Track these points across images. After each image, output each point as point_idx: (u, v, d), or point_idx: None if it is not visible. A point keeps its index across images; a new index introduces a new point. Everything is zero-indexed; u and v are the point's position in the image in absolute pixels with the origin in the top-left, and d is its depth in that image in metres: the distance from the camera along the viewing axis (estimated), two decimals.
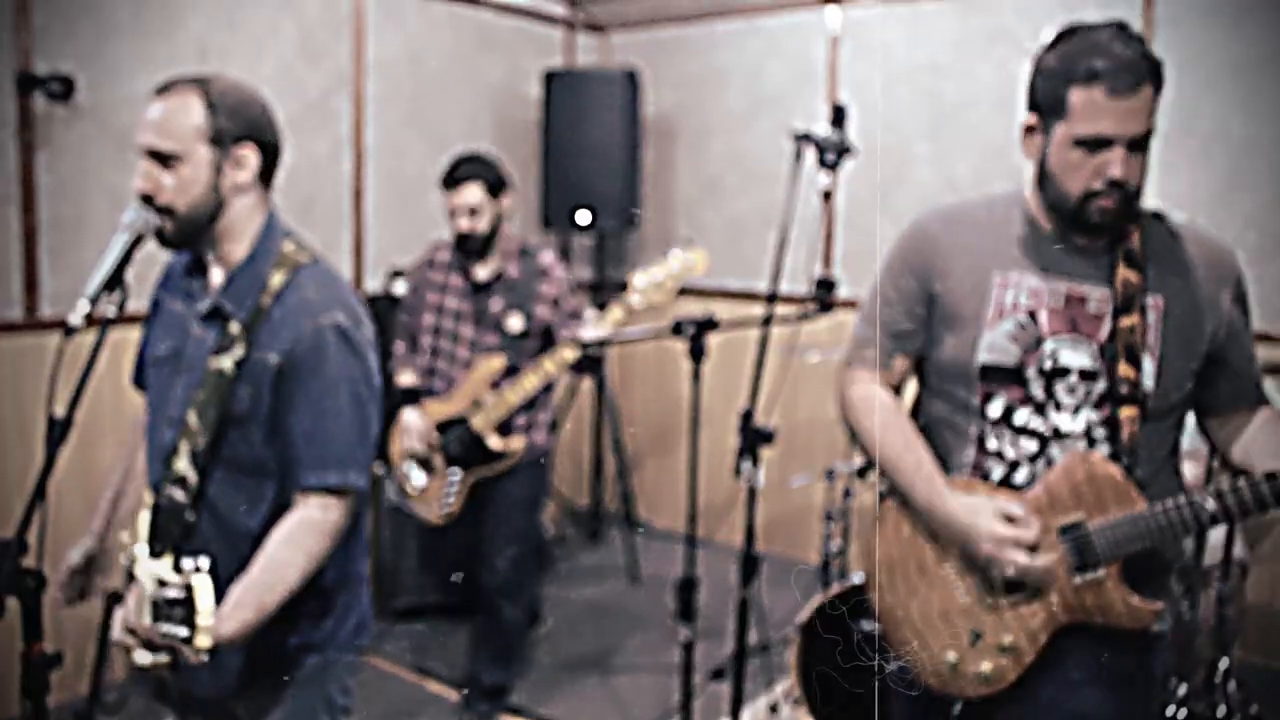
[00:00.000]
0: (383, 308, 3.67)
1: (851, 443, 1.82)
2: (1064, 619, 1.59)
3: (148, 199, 1.58)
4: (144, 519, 1.65)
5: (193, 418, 1.59)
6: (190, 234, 1.62)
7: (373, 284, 4.06)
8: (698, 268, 2.97)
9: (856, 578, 2.91)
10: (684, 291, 4.81)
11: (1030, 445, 1.62)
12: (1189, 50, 3.59)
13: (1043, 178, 1.59)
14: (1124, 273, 1.57)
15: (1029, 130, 1.60)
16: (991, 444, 1.65)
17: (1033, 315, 1.61)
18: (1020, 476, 1.63)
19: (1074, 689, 1.62)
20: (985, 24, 4.01)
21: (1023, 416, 1.62)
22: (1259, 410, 1.68)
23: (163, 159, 1.58)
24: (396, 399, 3.12)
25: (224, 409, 1.58)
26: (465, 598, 3.62)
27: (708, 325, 2.50)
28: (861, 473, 3.39)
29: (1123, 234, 1.59)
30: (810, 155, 2.28)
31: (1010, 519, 1.57)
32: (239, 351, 1.58)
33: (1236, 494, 1.49)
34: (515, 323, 3.06)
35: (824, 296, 2.63)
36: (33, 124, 3.05)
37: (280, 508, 1.62)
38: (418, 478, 3.16)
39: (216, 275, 1.67)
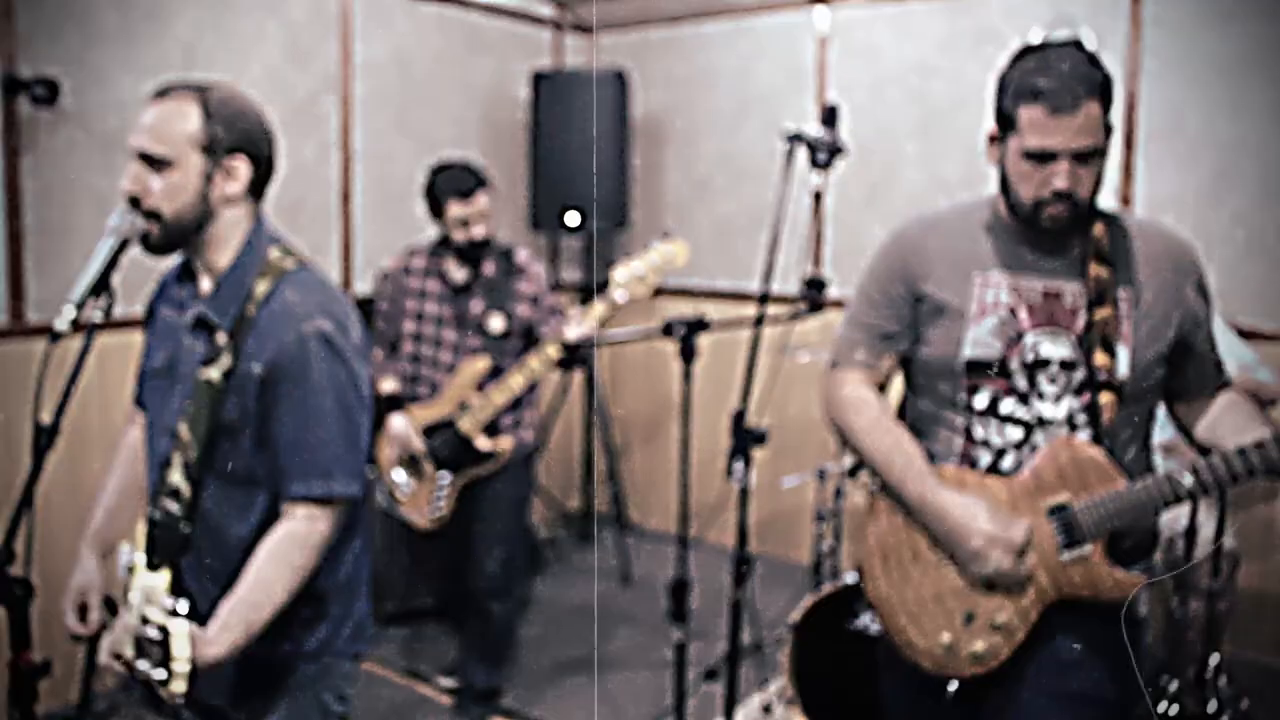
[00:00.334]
0: (372, 310, 3.65)
1: (840, 444, 1.87)
2: (1053, 595, 1.67)
3: (134, 201, 1.57)
4: (141, 531, 1.64)
5: (184, 429, 1.58)
6: (176, 241, 1.61)
7: (362, 286, 4.04)
8: (678, 260, 2.98)
9: (849, 577, 2.91)
10: (674, 292, 4.85)
11: (1015, 433, 1.71)
12: (1176, 51, 3.61)
13: (1004, 184, 1.70)
14: (1095, 268, 1.68)
15: (992, 139, 1.71)
16: (979, 433, 1.73)
17: (1013, 311, 1.70)
18: (1007, 463, 1.72)
19: (1066, 663, 1.69)
20: (973, 24, 4.02)
21: (1008, 406, 1.71)
22: (1221, 393, 1.79)
23: (153, 162, 1.57)
24: (380, 407, 3.10)
25: (214, 420, 1.57)
26: (454, 600, 3.61)
27: (699, 326, 2.50)
28: (852, 472, 3.40)
29: (1083, 234, 1.70)
30: (801, 155, 2.28)
31: (999, 519, 1.65)
32: (226, 362, 1.57)
33: (1211, 468, 1.59)
34: (497, 323, 3.07)
35: (814, 296, 2.63)
36: (17, 128, 3.03)
37: (272, 518, 1.61)
38: (406, 483, 3.15)
39: (205, 283, 1.66)
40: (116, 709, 3.02)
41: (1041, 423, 1.70)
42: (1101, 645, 1.68)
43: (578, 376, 4.84)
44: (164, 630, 1.35)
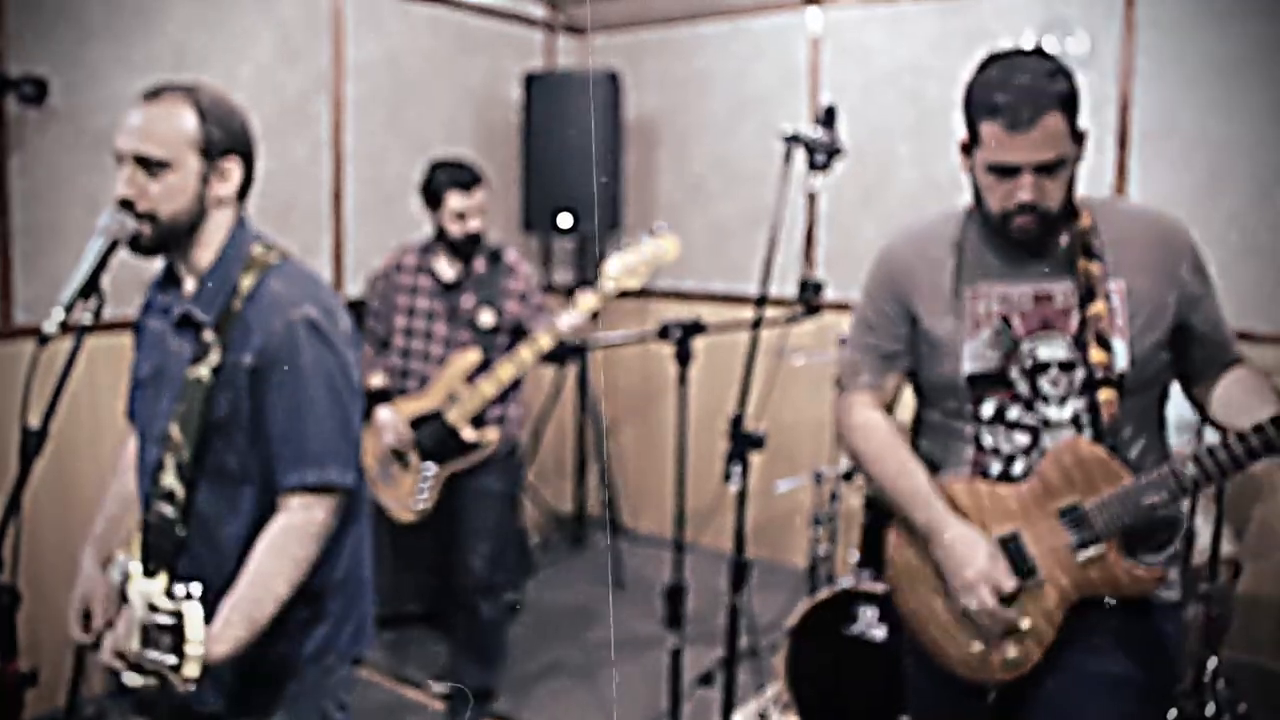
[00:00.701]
0: (363, 311, 3.63)
1: (853, 463, 1.88)
2: (1075, 596, 1.67)
3: (128, 204, 1.54)
4: (136, 538, 1.61)
5: (175, 431, 1.56)
6: (167, 242, 1.60)
7: (353, 288, 4.01)
8: (669, 253, 3.00)
9: (845, 581, 2.89)
10: (667, 295, 4.83)
11: (1023, 439, 1.71)
12: (1169, 51, 3.61)
13: (976, 194, 1.70)
14: (1084, 264, 1.67)
15: (963, 148, 1.70)
16: (988, 441, 1.73)
17: (1006, 320, 1.70)
18: (1017, 468, 1.72)
19: (1097, 658, 1.69)
20: (966, 25, 4.01)
21: (1014, 413, 1.71)
22: (1230, 370, 1.76)
23: (150, 165, 1.55)
24: (367, 401, 3.10)
25: (204, 419, 1.55)
26: (441, 599, 3.58)
27: (694, 329, 2.47)
28: (848, 476, 3.38)
29: (1068, 231, 1.68)
30: (799, 156, 2.26)
31: (997, 564, 1.66)
32: (214, 358, 1.56)
33: (1213, 456, 1.56)
34: (487, 318, 3.10)
35: (810, 299, 2.61)
36: (5, 127, 2.99)
37: (266, 515, 1.58)
38: (391, 474, 3.15)
39: (189, 284, 1.64)
40: (103, 715, 2.99)
41: (1048, 425, 1.69)
42: (1130, 638, 1.69)
43: (570, 379, 4.81)
44: (177, 615, 1.32)
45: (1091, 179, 3.78)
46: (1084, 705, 1.69)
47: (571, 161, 4.41)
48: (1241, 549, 3.15)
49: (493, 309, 3.11)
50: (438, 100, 4.36)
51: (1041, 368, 1.68)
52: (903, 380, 1.85)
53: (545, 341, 2.98)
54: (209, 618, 1.45)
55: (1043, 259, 1.69)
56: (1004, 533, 1.69)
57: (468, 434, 3.06)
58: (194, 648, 1.31)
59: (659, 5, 4.72)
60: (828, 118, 2.29)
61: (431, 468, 3.09)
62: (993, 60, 1.64)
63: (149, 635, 1.35)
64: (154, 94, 1.59)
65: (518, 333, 3.14)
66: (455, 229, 3.09)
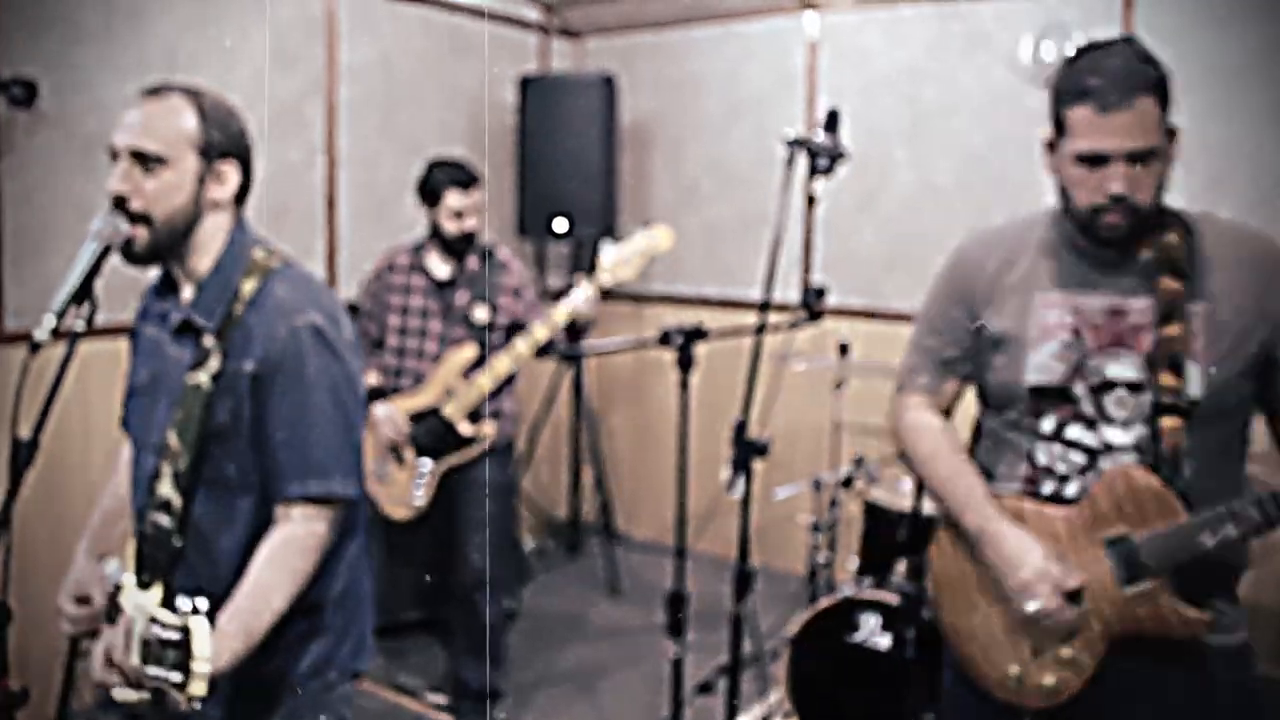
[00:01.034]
0: (357, 313, 3.61)
1: (906, 465, 1.84)
2: (1119, 629, 1.60)
3: (121, 202, 1.50)
4: (130, 548, 1.57)
5: (173, 438, 1.52)
6: (162, 248, 1.56)
7: (347, 292, 3.97)
8: (663, 244, 3.03)
9: (846, 589, 2.86)
10: (660, 299, 4.80)
11: (1080, 459, 1.63)
12: (1168, 56, 3.54)
13: (1061, 193, 1.62)
14: (1165, 281, 1.57)
15: (1048, 147, 1.62)
16: (1042, 459, 1.66)
17: (1076, 333, 1.62)
18: (1071, 490, 1.64)
19: (1138, 697, 1.63)
20: (964, 29, 3.99)
21: (1074, 432, 1.63)
22: None
23: (146, 161, 1.51)
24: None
25: (204, 426, 1.51)
26: (438, 605, 3.54)
27: (696, 334, 2.44)
28: (847, 483, 3.36)
29: (1151, 243, 1.59)
30: (799, 160, 2.24)
31: (1055, 562, 1.58)
32: (214, 364, 1.52)
33: (1275, 500, 1.48)
34: (481, 314, 3.13)
35: (813, 304, 2.59)
36: None
37: (262, 525, 1.54)
38: (388, 471, 3.15)
39: (187, 291, 1.61)
40: None
41: (1109, 449, 1.61)
42: (1177, 683, 1.60)
43: (565, 384, 4.78)
44: (183, 630, 1.27)
45: None
46: None
47: (567, 165, 4.38)
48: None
49: (487, 305, 3.13)
50: (432, 104, 4.32)
51: (1108, 386, 1.60)
52: (962, 386, 1.79)
53: (541, 334, 3.00)
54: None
55: (1122, 271, 1.60)
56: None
57: (465, 428, 3.07)
58: (201, 664, 1.26)
59: (653, 9, 4.70)
60: (830, 122, 2.27)
61: (428, 463, 3.09)
62: (1082, 51, 1.58)
63: (150, 651, 1.30)
64: (154, 92, 1.56)
65: (513, 329, 3.17)
66: (452, 227, 3.11)
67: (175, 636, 1.27)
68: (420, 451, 3.10)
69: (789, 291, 4.46)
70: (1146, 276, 1.59)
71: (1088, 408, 1.61)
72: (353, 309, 3.67)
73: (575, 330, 3.29)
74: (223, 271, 1.57)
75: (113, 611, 1.57)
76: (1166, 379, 1.55)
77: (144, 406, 1.64)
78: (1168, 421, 1.55)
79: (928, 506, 2.84)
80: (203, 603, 1.28)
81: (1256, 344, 1.57)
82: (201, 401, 1.51)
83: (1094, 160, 1.52)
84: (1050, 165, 1.62)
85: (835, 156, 2.24)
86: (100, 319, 1.52)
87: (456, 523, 3.17)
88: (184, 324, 1.57)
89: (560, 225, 4.35)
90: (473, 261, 3.17)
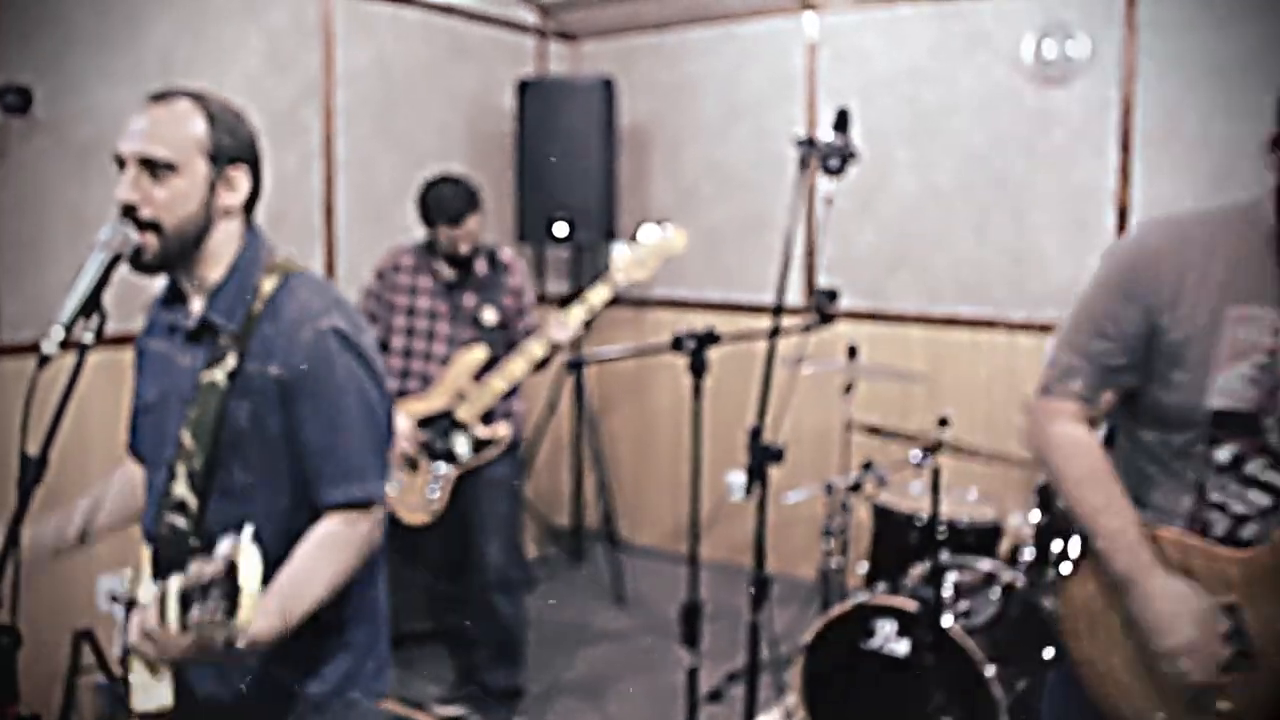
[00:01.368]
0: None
1: (1051, 483, 1.66)
2: None
3: (130, 211, 1.46)
4: (145, 556, 1.52)
5: (187, 437, 1.48)
6: (172, 257, 1.51)
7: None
8: (676, 245, 3.01)
9: (861, 595, 2.83)
10: (660, 303, 4.76)
11: (1263, 499, 1.46)
12: (1171, 53, 3.58)
13: (1279, 193, 1.43)
14: None
15: (1274, 142, 1.44)
16: (1215, 495, 1.48)
17: (1275, 355, 1.43)
18: (1247, 532, 1.47)
19: None
20: (965, 29, 3.97)
21: (1254, 467, 1.45)
22: None
23: (154, 168, 1.47)
24: None
25: (219, 424, 1.47)
26: (446, 613, 3.50)
27: (709, 339, 2.41)
28: (855, 488, 3.32)
29: None
30: (793, 162, 2.21)
31: (1206, 625, 1.44)
32: (231, 362, 1.49)
33: None
34: (490, 315, 3.13)
35: (825, 307, 2.55)
36: None
37: (278, 529, 1.49)
38: (400, 479, 3.12)
39: (196, 302, 1.56)
40: None
41: None
42: None
43: (566, 392, 4.73)
44: (230, 561, 1.20)
45: (1093, 183, 3.75)
46: None
47: (566, 169, 4.34)
48: None
49: (495, 306, 3.13)
50: (429, 108, 4.28)
51: None
52: (1116, 400, 1.60)
53: (556, 334, 2.99)
54: None
55: None
56: (1220, 603, 1.46)
57: (480, 431, 3.06)
58: (250, 583, 1.18)
59: (650, 11, 4.67)
60: (841, 122, 2.24)
61: (442, 467, 3.07)
62: None
63: (191, 598, 1.23)
64: (160, 97, 1.52)
65: (509, 329, 3.18)
66: (449, 248, 3.13)
67: (221, 569, 1.20)
68: (434, 456, 3.07)
69: (791, 294, 4.44)
70: None
71: (1276, 441, 1.43)
72: None
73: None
74: (238, 275, 1.54)
75: (128, 612, 1.52)
76: None
77: (154, 424, 1.60)
78: None
79: (943, 511, 2.81)
80: (249, 529, 1.22)
81: None
82: (217, 399, 1.48)
83: None
84: (1272, 164, 1.44)
85: (846, 157, 2.21)
86: (107, 329, 1.47)
87: (471, 524, 3.16)
88: (200, 326, 1.53)
89: (560, 230, 4.31)
90: (480, 265, 3.17)
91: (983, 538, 3.12)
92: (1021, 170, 3.91)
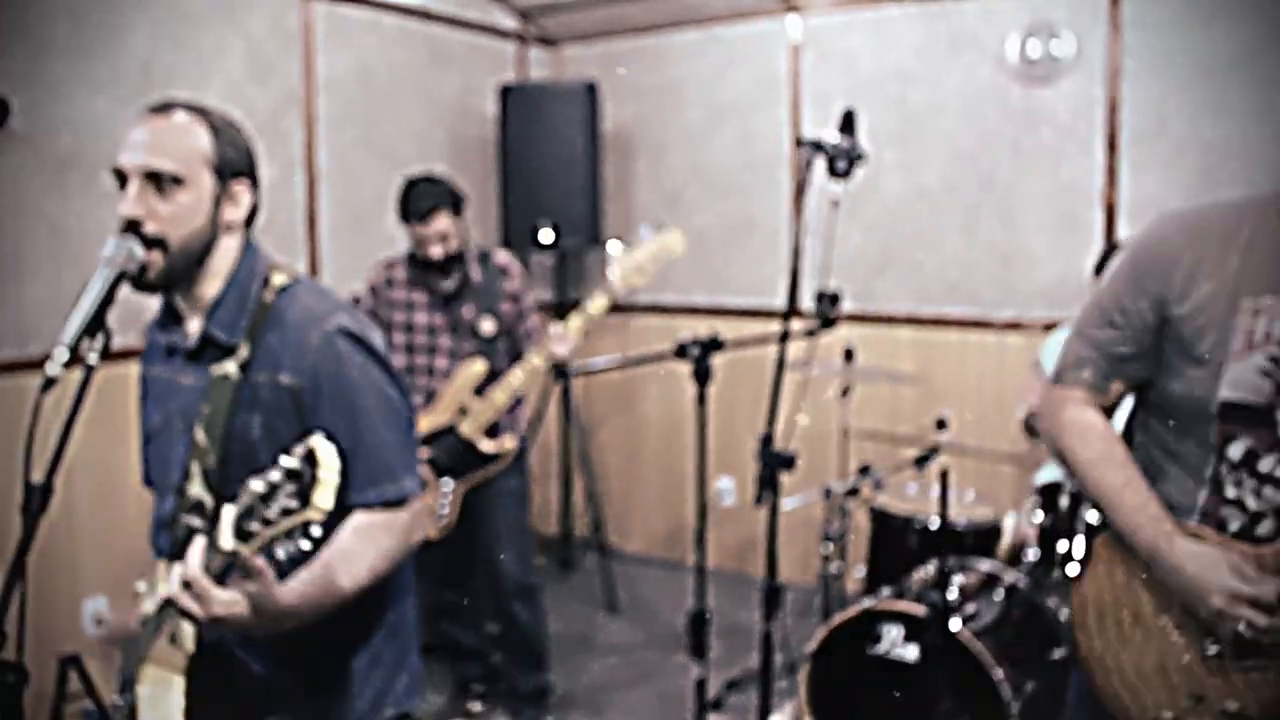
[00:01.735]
0: None
1: (1059, 463, 1.65)
2: None
3: (133, 226, 1.40)
4: (159, 571, 1.47)
5: (200, 435, 1.44)
6: (176, 275, 1.46)
7: None
8: (676, 248, 2.98)
9: (866, 601, 2.80)
10: (646, 309, 4.72)
11: (1278, 496, 1.43)
12: (1156, 53, 3.60)
13: None
14: None
15: None
16: (1230, 491, 1.46)
17: None
18: (1264, 529, 1.45)
19: None
20: (950, 29, 3.98)
21: (1269, 463, 1.43)
22: None
23: (160, 182, 1.41)
24: None
25: (233, 417, 1.43)
26: (441, 629, 3.44)
27: (713, 345, 2.38)
28: (853, 492, 3.31)
29: None
30: (781, 164, 2.18)
31: (1246, 576, 1.42)
32: (243, 353, 1.45)
33: None
34: (488, 326, 3.07)
35: (827, 311, 2.53)
36: None
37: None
38: None
39: (193, 323, 1.51)
40: None
41: None
42: None
43: (553, 400, 4.68)
44: (308, 448, 1.15)
45: (1080, 182, 3.77)
46: None
47: (550, 174, 4.30)
48: None
49: (491, 315, 3.07)
50: (410, 115, 4.22)
51: None
52: (1129, 388, 1.59)
53: (556, 346, 2.93)
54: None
55: None
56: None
57: (486, 446, 3.01)
58: (329, 469, 1.14)
59: (631, 14, 4.63)
60: (847, 123, 2.22)
61: (449, 483, 3.02)
62: None
63: (253, 512, 1.19)
64: (161, 109, 1.47)
65: (511, 336, 3.13)
66: (417, 249, 3.03)
67: (295, 459, 1.16)
68: (440, 472, 3.02)
69: (776, 300, 4.42)
70: None
71: None
72: None
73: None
74: (236, 288, 1.50)
75: (152, 630, 1.47)
76: None
77: (160, 450, 1.55)
78: None
79: (953, 514, 2.80)
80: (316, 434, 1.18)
81: None
82: (230, 391, 1.43)
83: None
84: None
85: (853, 159, 2.19)
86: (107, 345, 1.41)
87: (484, 534, 3.13)
88: (201, 344, 1.49)
89: (546, 236, 4.27)
90: (475, 271, 3.09)
91: (981, 539, 3.12)
92: (1008, 170, 3.92)
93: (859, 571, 3.33)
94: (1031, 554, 2.87)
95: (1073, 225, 3.79)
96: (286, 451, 1.19)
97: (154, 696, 1.42)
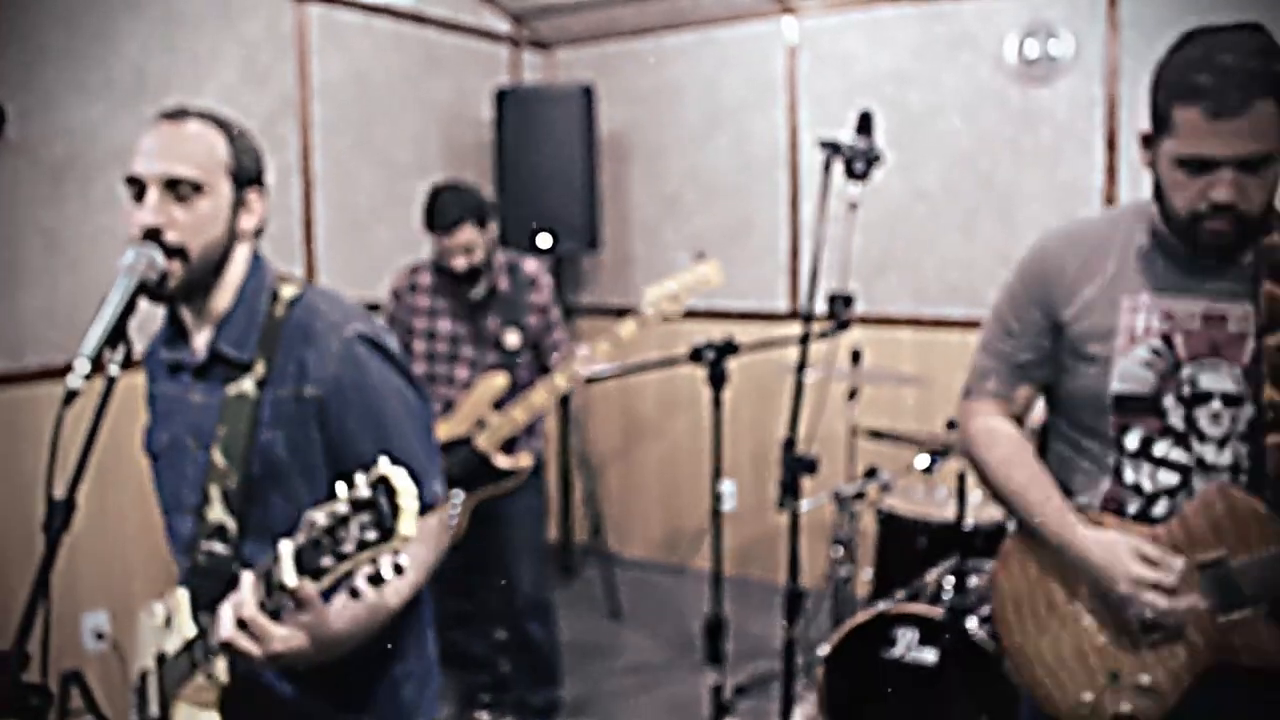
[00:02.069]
0: None
1: (979, 479, 1.72)
2: (1209, 659, 1.49)
3: (153, 235, 1.36)
4: (181, 593, 1.42)
5: (218, 457, 1.40)
6: (194, 285, 1.42)
7: None
8: (713, 280, 2.88)
9: (882, 604, 2.78)
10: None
11: (1171, 478, 1.52)
12: (1155, 51, 3.58)
13: (1157, 191, 1.49)
14: (1269, 287, 1.45)
15: (1145, 140, 1.49)
16: (1129, 476, 1.55)
17: (1167, 339, 1.50)
18: (1158, 510, 1.54)
19: None
20: (948, 30, 3.97)
21: (1162, 448, 1.52)
22: None
23: (178, 189, 1.37)
24: None
25: (253, 438, 1.39)
26: (453, 640, 3.41)
27: (728, 349, 2.36)
28: (859, 495, 3.29)
29: (1255, 246, 1.47)
30: (779, 166, 2.17)
31: (1147, 559, 1.49)
32: (260, 370, 1.41)
33: None
34: (513, 338, 3.02)
35: (840, 314, 2.51)
36: None
37: None
38: None
39: (201, 336, 1.47)
40: None
41: (1203, 467, 1.50)
42: (1274, 717, 1.51)
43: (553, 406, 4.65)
44: (380, 476, 1.09)
45: (1079, 182, 3.77)
46: None
47: (546, 178, 4.27)
48: None
49: (517, 327, 3.01)
50: (405, 119, 4.18)
51: (1202, 399, 1.49)
52: (1035, 393, 1.68)
53: (580, 368, 2.87)
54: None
55: (1220, 274, 1.48)
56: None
57: (501, 461, 2.96)
58: (408, 496, 1.08)
59: (625, 18, 4.61)
60: (864, 124, 2.20)
61: (459, 494, 2.96)
62: (1193, 36, 1.43)
63: (324, 537, 1.12)
64: (173, 115, 1.43)
65: (536, 348, 3.07)
66: (441, 260, 2.97)
67: (366, 495, 1.09)
68: (451, 483, 2.98)
69: (774, 302, 4.41)
70: (1248, 280, 1.47)
71: (1177, 421, 1.50)
72: None
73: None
74: (245, 302, 1.46)
75: (160, 664, 1.42)
76: (1271, 393, 1.43)
77: (169, 470, 1.51)
78: (1273, 438, 1.44)
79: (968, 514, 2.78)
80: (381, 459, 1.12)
81: None
82: (249, 410, 1.39)
83: (1199, 165, 1.39)
84: (1145, 159, 1.50)
85: (871, 160, 2.17)
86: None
87: (498, 553, 3.09)
88: (210, 360, 1.44)
89: (543, 241, 4.24)
90: (503, 281, 3.02)
91: (990, 540, 3.10)
92: (1008, 170, 3.92)
93: (865, 574, 3.31)
94: None
95: None
96: (346, 480, 1.15)
97: None
